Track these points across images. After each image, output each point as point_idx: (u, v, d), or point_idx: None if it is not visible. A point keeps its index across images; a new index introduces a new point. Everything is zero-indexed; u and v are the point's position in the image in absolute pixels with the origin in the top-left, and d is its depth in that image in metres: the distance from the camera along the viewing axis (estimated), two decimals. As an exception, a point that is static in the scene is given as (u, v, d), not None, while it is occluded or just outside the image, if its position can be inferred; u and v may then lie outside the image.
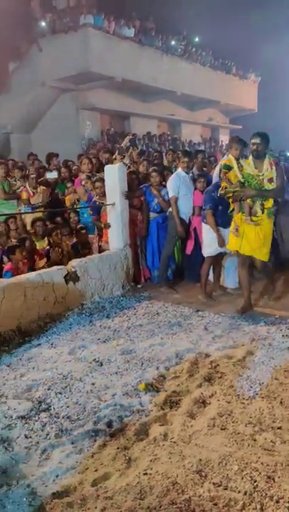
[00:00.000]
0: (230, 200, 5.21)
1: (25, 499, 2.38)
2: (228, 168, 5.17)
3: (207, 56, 19.79)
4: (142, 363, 3.97)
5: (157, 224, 6.61)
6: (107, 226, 6.37)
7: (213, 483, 2.41)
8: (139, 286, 6.52)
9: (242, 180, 4.98)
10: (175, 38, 18.26)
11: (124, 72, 15.46)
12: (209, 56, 19.92)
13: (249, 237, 5.08)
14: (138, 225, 6.63)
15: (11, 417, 3.18)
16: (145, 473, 2.52)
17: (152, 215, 6.62)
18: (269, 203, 5.00)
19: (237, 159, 5.16)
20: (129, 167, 7.09)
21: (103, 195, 6.44)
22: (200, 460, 2.59)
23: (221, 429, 2.91)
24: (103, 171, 6.54)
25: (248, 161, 5.02)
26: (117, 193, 6.21)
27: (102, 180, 6.46)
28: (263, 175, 4.88)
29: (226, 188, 5.13)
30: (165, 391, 3.45)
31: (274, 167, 4.88)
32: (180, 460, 2.62)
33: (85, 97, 16.02)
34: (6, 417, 3.17)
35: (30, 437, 2.94)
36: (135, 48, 16.25)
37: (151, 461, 2.63)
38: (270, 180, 4.89)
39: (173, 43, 18.09)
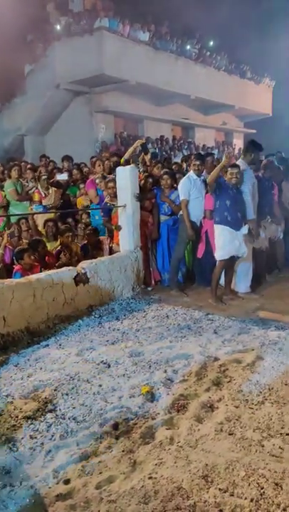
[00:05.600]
0: None
1: (28, 500, 2.36)
2: None
3: (222, 60, 19.70)
4: (150, 366, 3.93)
5: (168, 226, 6.58)
6: (118, 228, 6.35)
7: (219, 489, 2.36)
8: (149, 288, 6.48)
9: None
10: (189, 41, 18.22)
11: (139, 76, 15.45)
12: (224, 60, 19.83)
13: None
14: (149, 228, 6.61)
15: (17, 417, 3.16)
16: (150, 477, 2.48)
17: (163, 217, 6.60)
18: None
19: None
20: (143, 172, 7.09)
21: (115, 196, 6.43)
22: (206, 465, 2.55)
23: (229, 434, 2.86)
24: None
25: None
26: (128, 195, 6.20)
27: (115, 181, 6.45)
28: None
29: None
30: (173, 394, 3.41)
31: None
32: (186, 465, 2.57)
33: (99, 99, 16.05)
34: (11, 417, 3.15)
35: (36, 438, 2.92)
36: (150, 51, 16.23)
37: (156, 465, 2.59)
38: None
39: (188, 47, 18.06)
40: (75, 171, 8.21)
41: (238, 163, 6.06)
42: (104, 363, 4.01)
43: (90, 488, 2.44)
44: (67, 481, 2.51)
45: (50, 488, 2.46)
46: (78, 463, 2.66)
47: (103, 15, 14.79)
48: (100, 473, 2.58)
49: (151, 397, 3.39)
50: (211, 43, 19.62)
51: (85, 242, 6.71)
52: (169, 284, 6.46)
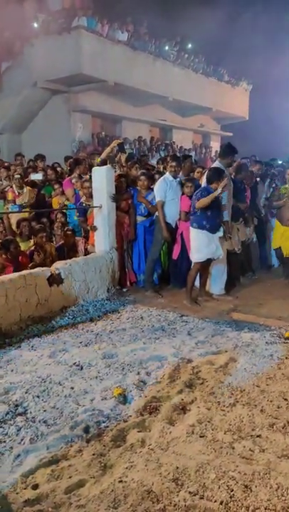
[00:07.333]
0: None
1: (-6, 506, 2.31)
2: None
3: (200, 63, 19.80)
4: (123, 368, 3.91)
5: (144, 228, 6.57)
6: (94, 229, 6.31)
7: (189, 492, 2.35)
8: (124, 289, 6.46)
9: None
10: (168, 43, 18.26)
11: (117, 76, 15.39)
12: (202, 63, 19.93)
13: None
14: (125, 228, 6.58)
15: (-14, 420, 3.10)
16: (120, 481, 2.46)
17: (139, 218, 6.58)
18: None
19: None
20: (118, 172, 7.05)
21: (91, 196, 6.38)
22: (177, 468, 2.54)
23: (200, 437, 2.86)
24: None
25: None
26: (104, 196, 6.16)
27: (91, 181, 6.40)
28: None
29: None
30: (145, 397, 3.39)
31: None
32: (156, 468, 2.56)
33: (76, 99, 15.93)
34: (-20, 421, 3.09)
35: (4, 442, 2.86)
36: (128, 52, 16.19)
37: (127, 468, 2.57)
38: None
39: (166, 48, 18.09)
40: (49, 171, 8.12)
41: (215, 165, 6.09)
42: (77, 365, 3.97)
43: (59, 492, 2.41)
44: (35, 486, 2.47)
45: (17, 493, 2.41)
46: (48, 467, 2.62)
47: (82, 14, 14.68)
48: (70, 477, 2.54)
49: (124, 399, 3.37)
50: (189, 46, 19.69)
51: (62, 242, 6.63)
52: (144, 286, 6.45)
